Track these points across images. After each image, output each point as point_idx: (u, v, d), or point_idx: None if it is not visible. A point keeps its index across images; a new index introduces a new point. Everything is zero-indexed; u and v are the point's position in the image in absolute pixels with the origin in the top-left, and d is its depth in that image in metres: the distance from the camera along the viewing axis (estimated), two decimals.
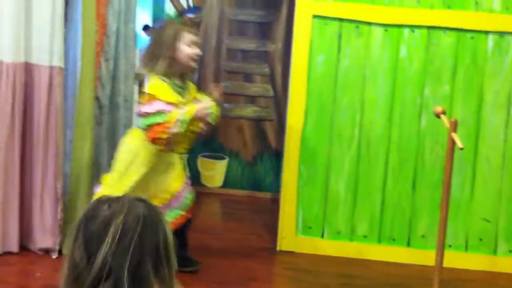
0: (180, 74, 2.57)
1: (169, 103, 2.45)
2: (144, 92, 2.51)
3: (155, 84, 2.48)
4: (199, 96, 2.67)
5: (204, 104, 2.50)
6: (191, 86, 2.67)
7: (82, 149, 2.81)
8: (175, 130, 2.42)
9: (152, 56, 2.53)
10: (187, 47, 2.51)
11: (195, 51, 2.54)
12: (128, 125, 3.41)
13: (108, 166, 3.34)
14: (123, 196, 1.10)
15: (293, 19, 3.20)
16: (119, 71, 3.32)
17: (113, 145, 3.37)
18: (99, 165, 3.18)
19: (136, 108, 2.62)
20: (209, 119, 2.56)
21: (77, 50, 2.84)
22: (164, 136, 2.43)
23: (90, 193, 2.79)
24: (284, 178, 3.23)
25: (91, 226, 1.06)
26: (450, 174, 2.42)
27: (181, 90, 2.55)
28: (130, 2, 3.45)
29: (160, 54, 2.49)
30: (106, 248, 1.02)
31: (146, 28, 3.90)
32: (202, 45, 4.36)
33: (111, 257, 1.02)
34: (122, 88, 3.37)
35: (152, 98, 2.44)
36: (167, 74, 2.50)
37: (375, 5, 3.13)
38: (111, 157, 3.36)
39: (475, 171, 3.15)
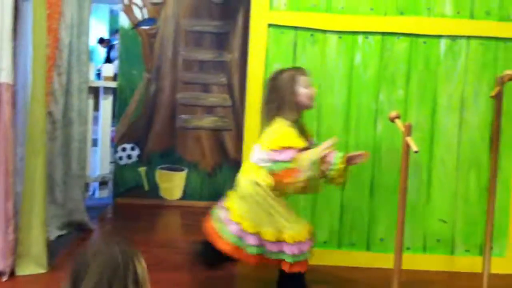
0: (298, 117, 2.63)
1: (300, 150, 2.48)
2: (274, 139, 2.51)
3: (286, 132, 2.51)
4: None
5: (325, 145, 2.51)
6: (305, 127, 2.72)
7: (34, 166, 2.74)
8: (308, 173, 2.44)
9: (273, 104, 2.59)
10: (305, 89, 2.60)
11: (312, 91, 2.64)
12: (82, 140, 3.33)
13: (63, 183, 3.25)
14: (101, 244, 1.33)
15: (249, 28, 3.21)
16: (73, 85, 3.26)
17: (67, 161, 3.29)
18: (53, 182, 3.10)
19: (260, 152, 2.57)
20: (332, 162, 2.55)
21: (27, 65, 2.78)
22: (300, 180, 2.44)
23: (44, 211, 2.72)
24: None
25: (79, 271, 1.29)
26: (406, 177, 2.44)
27: (301, 133, 2.60)
28: (82, 15, 3.40)
29: (282, 100, 2.57)
30: None
31: (102, 41, 3.86)
32: (159, 55, 4.37)
33: None
34: (75, 103, 3.31)
35: (286, 147, 2.47)
36: (292, 119, 2.57)
37: (329, 13, 3.16)
38: (64, 173, 3.28)
39: (431, 173, 3.20)
